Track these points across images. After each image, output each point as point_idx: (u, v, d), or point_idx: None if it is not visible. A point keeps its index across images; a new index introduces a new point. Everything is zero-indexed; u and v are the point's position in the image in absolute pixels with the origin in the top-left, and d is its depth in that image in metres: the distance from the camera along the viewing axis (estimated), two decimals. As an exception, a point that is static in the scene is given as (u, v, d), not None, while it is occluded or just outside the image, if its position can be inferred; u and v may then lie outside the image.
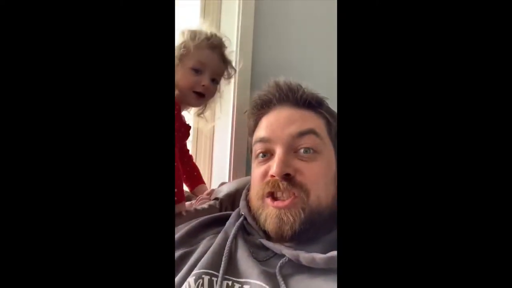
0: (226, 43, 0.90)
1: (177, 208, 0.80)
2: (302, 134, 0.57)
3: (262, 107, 0.63)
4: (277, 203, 0.55)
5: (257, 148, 0.60)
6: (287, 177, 0.55)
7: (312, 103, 0.61)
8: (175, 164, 0.81)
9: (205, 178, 1.10)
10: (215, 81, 0.88)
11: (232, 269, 0.53)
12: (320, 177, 0.56)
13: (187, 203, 0.83)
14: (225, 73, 0.91)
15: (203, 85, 0.84)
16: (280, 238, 0.55)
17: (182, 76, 0.84)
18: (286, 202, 0.54)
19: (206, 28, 0.88)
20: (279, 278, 0.49)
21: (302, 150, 0.57)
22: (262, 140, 0.59)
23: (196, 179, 0.96)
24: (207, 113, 0.96)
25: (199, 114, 0.95)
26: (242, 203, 0.63)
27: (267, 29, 1.12)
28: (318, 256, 0.48)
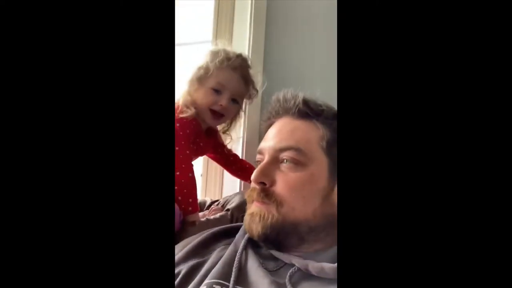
0: (251, 64, 0.90)
1: (191, 217, 0.81)
2: (282, 150, 0.59)
3: (269, 118, 0.66)
4: (256, 203, 0.59)
5: (256, 158, 0.64)
6: (263, 186, 0.58)
7: (309, 114, 0.62)
8: (191, 175, 0.84)
9: (216, 189, 1.11)
10: (236, 101, 0.89)
11: (243, 280, 0.54)
12: (297, 190, 0.57)
13: (200, 213, 0.85)
14: (247, 94, 0.91)
15: (221, 105, 0.86)
16: (252, 235, 0.58)
17: (202, 95, 0.86)
18: (261, 204, 0.58)
19: (229, 47, 0.89)
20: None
21: (284, 162, 0.59)
22: (258, 151, 0.63)
23: (250, 170, 0.97)
24: (232, 131, 0.98)
25: (224, 132, 0.98)
26: None
27: (277, 37, 1.14)
28: (328, 265, 0.49)
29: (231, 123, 0.97)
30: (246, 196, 0.63)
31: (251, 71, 0.90)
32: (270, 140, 0.62)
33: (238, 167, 1.00)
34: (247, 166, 0.99)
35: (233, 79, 0.86)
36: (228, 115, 0.90)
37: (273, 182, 0.58)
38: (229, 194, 1.01)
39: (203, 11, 1.22)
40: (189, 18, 1.29)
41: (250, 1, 1.11)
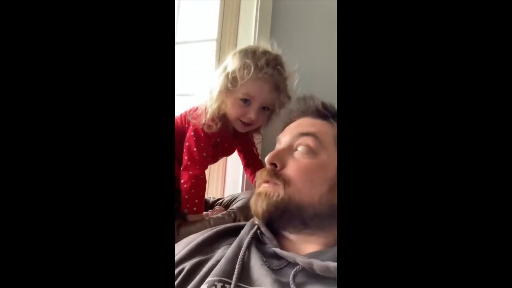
0: (285, 65, 0.85)
1: (194, 217, 0.81)
2: (302, 134, 0.62)
3: (289, 119, 0.70)
4: (264, 184, 0.61)
5: (275, 148, 0.66)
6: (274, 167, 0.61)
7: (326, 115, 0.65)
8: (202, 177, 0.84)
9: (218, 187, 1.11)
10: (267, 108, 0.85)
11: (245, 278, 0.53)
12: (306, 174, 0.59)
13: (204, 213, 0.85)
14: (278, 100, 0.85)
15: (249, 117, 0.83)
16: (256, 216, 0.60)
17: (231, 105, 0.83)
18: (269, 184, 0.60)
19: (261, 50, 0.83)
20: (292, 287, 0.50)
21: (298, 148, 0.62)
22: (277, 140, 0.67)
23: None
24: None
25: (254, 131, 0.96)
26: None
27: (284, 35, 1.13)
28: (333, 264, 0.49)
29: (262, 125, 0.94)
30: (256, 178, 0.65)
31: (285, 74, 0.85)
32: (290, 129, 0.66)
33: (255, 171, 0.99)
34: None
35: (263, 89, 0.81)
36: (258, 123, 0.87)
37: (284, 165, 0.61)
38: (231, 193, 1.01)
39: (208, 10, 1.22)
40: (194, 16, 1.29)
41: (255, 1, 1.11)
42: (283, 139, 0.65)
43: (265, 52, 0.83)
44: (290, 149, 0.63)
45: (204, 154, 0.85)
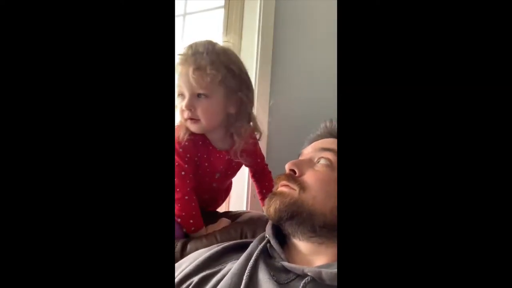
0: (206, 46, 0.80)
1: (197, 235, 0.81)
2: (324, 149, 0.64)
3: (314, 139, 0.72)
4: (280, 187, 0.62)
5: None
6: (293, 173, 0.62)
7: None
8: (187, 198, 0.81)
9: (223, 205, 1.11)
10: (202, 95, 0.80)
11: (253, 292, 0.53)
12: (322, 184, 0.60)
13: (209, 226, 0.84)
14: (209, 80, 0.79)
15: (183, 109, 0.82)
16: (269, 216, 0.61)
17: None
18: (285, 187, 0.61)
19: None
20: None
21: (319, 161, 0.63)
22: (300, 154, 0.69)
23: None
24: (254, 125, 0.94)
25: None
26: (268, 227, 0.64)
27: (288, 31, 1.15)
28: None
29: (235, 117, 0.86)
30: (274, 182, 0.67)
31: (208, 50, 0.80)
32: (313, 145, 0.68)
33: (263, 185, 0.98)
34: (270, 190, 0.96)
35: (185, 75, 0.78)
36: (202, 114, 0.80)
37: (302, 173, 0.62)
38: (235, 206, 1.01)
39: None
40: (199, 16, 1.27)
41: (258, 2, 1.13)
42: (306, 152, 0.67)
43: (190, 46, 0.81)
44: (311, 161, 0.64)
45: (183, 173, 0.82)
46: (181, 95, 0.80)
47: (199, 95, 0.79)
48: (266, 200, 0.63)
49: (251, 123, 0.90)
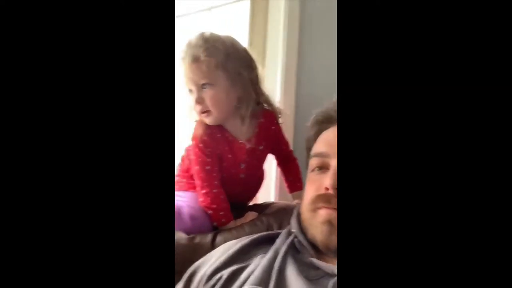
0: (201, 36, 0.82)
1: (227, 227, 0.83)
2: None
3: (323, 122, 0.64)
4: (329, 210, 0.55)
5: (314, 162, 0.61)
6: (332, 193, 0.55)
7: None
8: (215, 191, 0.84)
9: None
10: (207, 84, 0.82)
11: (281, 287, 0.54)
12: None
13: (238, 219, 0.86)
14: (208, 68, 0.81)
15: (193, 101, 0.84)
16: (327, 250, 0.55)
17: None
18: (332, 210, 0.55)
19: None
20: None
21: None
22: (320, 155, 0.60)
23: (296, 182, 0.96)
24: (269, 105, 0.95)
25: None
26: (293, 220, 0.64)
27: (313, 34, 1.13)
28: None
29: (242, 103, 0.85)
30: (306, 204, 0.60)
31: (205, 40, 0.81)
32: (328, 141, 0.60)
33: (289, 173, 0.98)
34: (297, 177, 0.96)
35: (186, 70, 0.81)
36: (211, 104, 0.81)
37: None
38: (263, 196, 1.01)
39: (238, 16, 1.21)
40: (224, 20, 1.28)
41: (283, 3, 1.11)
42: (335, 154, 0.57)
43: (187, 43, 0.83)
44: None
45: (207, 167, 0.84)
46: (190, 91, 0.83)
47: (203, 86, 0.80)
48: (323, 232, 0.56)
49: (265, 105, 0.90)
